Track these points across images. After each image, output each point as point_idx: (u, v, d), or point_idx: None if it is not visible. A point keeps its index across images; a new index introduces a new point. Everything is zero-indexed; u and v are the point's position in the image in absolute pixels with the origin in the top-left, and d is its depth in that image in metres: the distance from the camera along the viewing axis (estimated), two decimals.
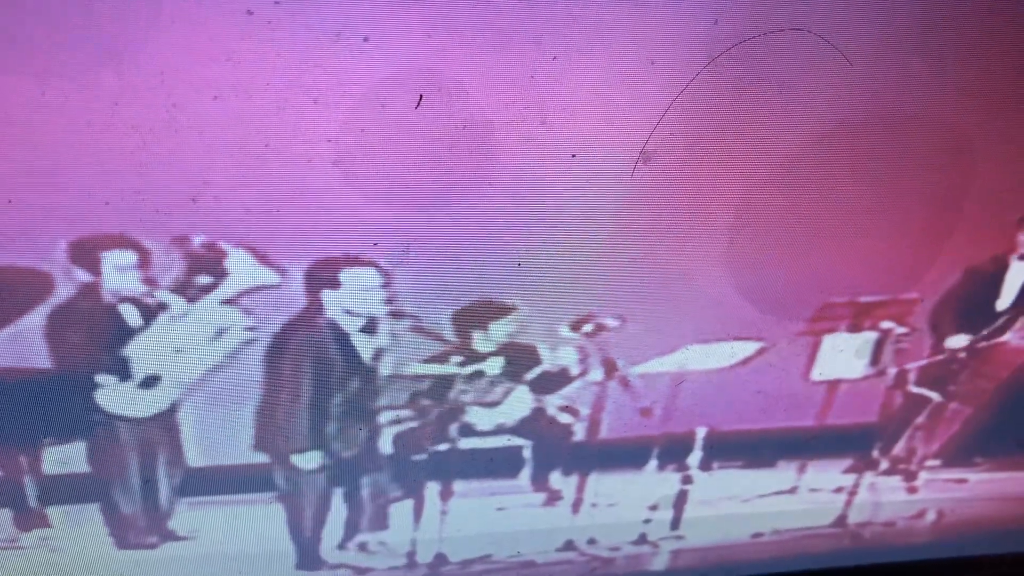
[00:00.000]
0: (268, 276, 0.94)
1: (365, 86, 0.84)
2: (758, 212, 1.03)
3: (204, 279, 0.93)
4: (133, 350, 0.96)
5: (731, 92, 0.93)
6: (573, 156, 0.93)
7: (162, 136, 0.82)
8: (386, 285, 0.98)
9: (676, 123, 0.93)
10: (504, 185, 0.93)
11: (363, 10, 0.80)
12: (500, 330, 1.05)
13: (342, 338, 1.02)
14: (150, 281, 0.92)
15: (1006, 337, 1.25)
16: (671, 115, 0.93)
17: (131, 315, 0.94)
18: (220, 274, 0.93)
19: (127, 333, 0.95)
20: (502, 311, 1.03)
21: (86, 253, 0.88)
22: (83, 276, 0.90)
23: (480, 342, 1.06)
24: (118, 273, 0.91)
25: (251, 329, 0.97)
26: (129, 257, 0.90)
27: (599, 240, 1.00)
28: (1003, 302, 1.21)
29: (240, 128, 0.84)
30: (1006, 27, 0.96)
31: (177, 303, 0.94)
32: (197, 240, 0.90)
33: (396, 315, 1.01)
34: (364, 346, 1.03)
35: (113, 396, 0.98)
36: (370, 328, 1.02)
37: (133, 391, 0.98)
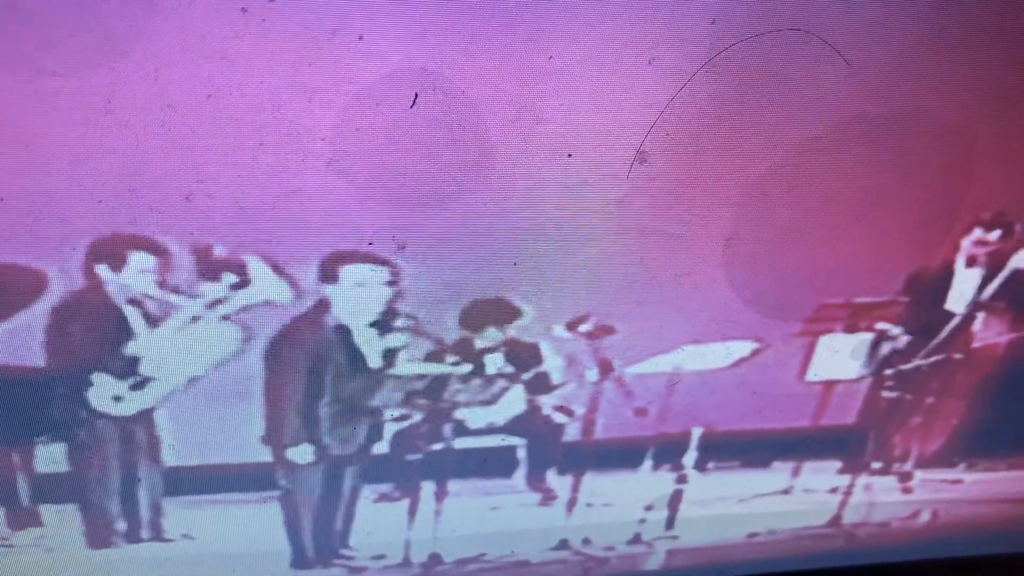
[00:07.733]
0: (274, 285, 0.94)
1: (360, 85, 0.84)
2: (754, 213, 1.02)
3: (199, 278, 0.93)
4: (124, 350, 0.96)
5: (728, 92, 0.92)
6: (569, 156, 0.93)
7: (156, 134, 0.82)
8: (385, 284, 0.98)
9: (673, 123, 0.93)
10: (499, 185, 0.93)
11: (358, 8, 0.80)
12: (495, 330, 1.05)
13: (338, 336, 1.01)
14: (146, 282, 0.92)
15: (1001, 336, 1.25)
16: (668, 115, 0.92)
17: (129, 316, 0.94)
18: (214, 274, 0.93)
19: (121, 333, 0.94)
20: (498, 311, 1.03)
21: (80, 252, 0.88)
22: (77, 274, 0.89)
23: (476, 341, 1.05)
24: (112, 272, 0.90)
25: (242, 330, 0.97)
26: (134, 257, 0.90)
27: (595, 240, 1.00)
28: (999, 301, 1.21)
29: (234, 126, 0.83)
30: (1006, 25, 0.96)
31: (173, 302, 0.94)
32: (194, 241, 0.89)
33: (391, 314, 1.00)
34: (360, 345, 1.03)
35: (103, 395, 0.98)
36: (366, 327, 1.01)
37: (126, 390, 0.98)
